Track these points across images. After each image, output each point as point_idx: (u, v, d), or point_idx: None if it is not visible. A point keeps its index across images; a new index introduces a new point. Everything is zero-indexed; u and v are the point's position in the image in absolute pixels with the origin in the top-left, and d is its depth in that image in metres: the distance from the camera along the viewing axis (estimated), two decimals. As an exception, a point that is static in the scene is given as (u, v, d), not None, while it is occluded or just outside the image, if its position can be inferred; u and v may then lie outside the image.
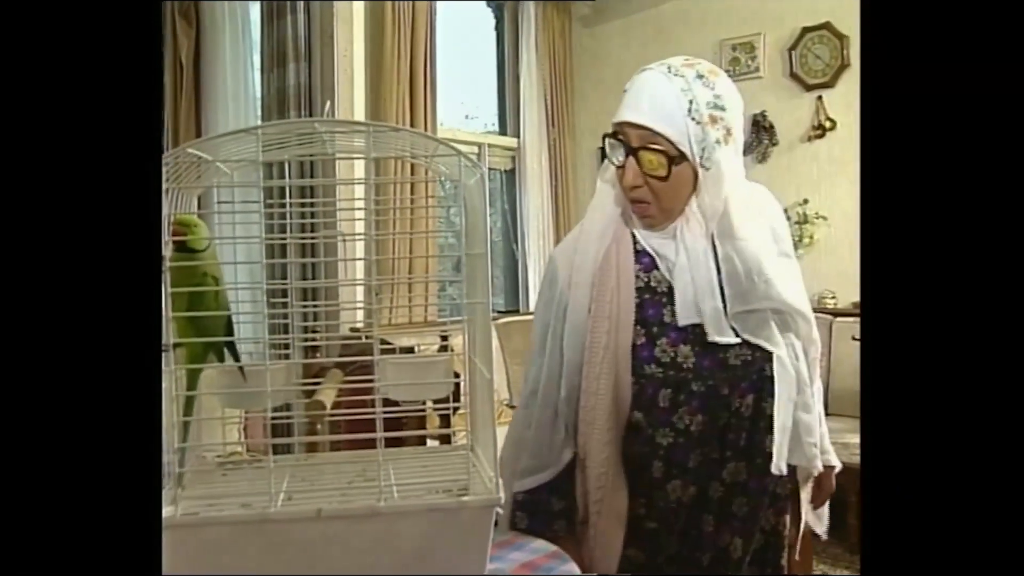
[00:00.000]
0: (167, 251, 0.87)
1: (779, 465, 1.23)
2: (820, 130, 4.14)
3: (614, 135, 1.26)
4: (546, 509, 1.28)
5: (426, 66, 3.94)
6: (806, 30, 4.16)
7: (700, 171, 1.22)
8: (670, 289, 1.26)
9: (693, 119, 1.20)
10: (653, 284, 1.27)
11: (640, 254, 1.29)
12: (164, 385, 0.88)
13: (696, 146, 1.20)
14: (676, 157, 1.20)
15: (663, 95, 1.21)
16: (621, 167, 1.26)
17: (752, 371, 1.24)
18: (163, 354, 0.88)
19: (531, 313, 1.47)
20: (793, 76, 4.22)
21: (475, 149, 4.38)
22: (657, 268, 1.28)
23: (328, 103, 3.19)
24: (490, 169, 4.58)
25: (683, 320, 1.23)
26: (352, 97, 3.47)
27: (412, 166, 1.14)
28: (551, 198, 4.75)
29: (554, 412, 1.28)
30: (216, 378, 0.98)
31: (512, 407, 3.60)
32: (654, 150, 1.20)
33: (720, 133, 1.22)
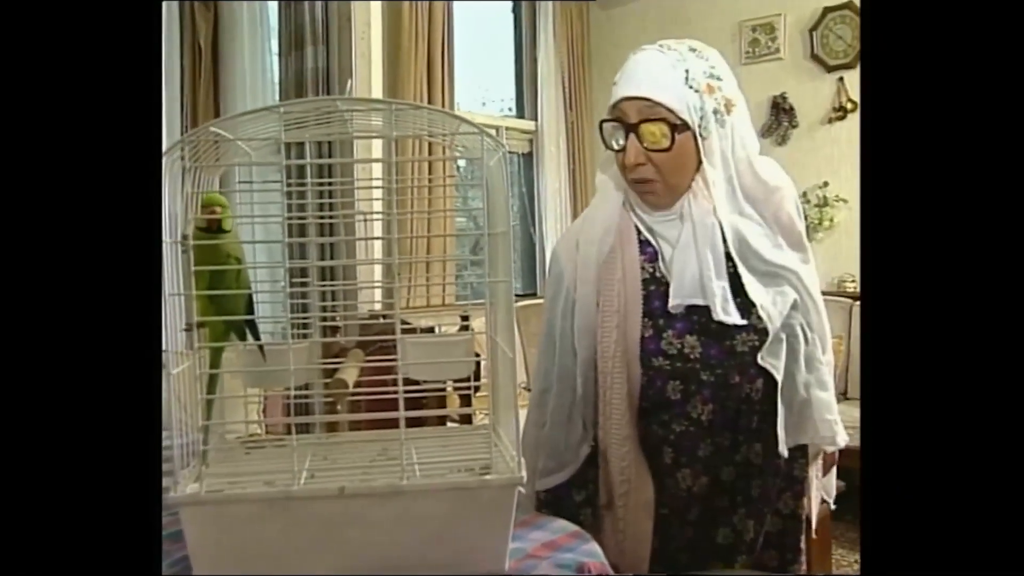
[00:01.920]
0: (189, 230, 0.87)
1: (781, 449, 1.21)
2: (841, 112, 4.09)
3: (611, 119, 1.24)
4: (569, 503, 1.28)
5: (443, 49, 3.93)
6: (828, 10, 4.11)
7: (700, 140, 1.20)
8: None
9: (691, 87, 1.19)
10: (658, 275, 1.25)
11: (644, 244, 1.27)
12: (187, 364, 0.88)
13: (695, 115, 1.19)
14: (678, 126, 1.18)
15: (658, 68, 1.20)
16: (621, 150, 1.23)
17: (757, 354, 1.21)
18: (186, 334, 0.89)
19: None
20: (814, 57, 4.17)
21: (493, 132, 4.36)
22: (663, 258, 1.26)
23: (349, 82, 3.18)
24: (508, 152, 4.57)
25: (675, 300, 1.21)
26: (370, 80, 3.45)
27: (430, 146, 1.13)
28: (569, 181, 4.73)
29: (569, 410, 1.28)
30: (238, 357, 0.98)
31: (530, 390, 3.60)
32: (654, 120, 1.18)
33: (719, 103, 1.20)
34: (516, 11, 4.83)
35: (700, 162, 1.22)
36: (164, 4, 3.30)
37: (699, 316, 1.22)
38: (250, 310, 0.97)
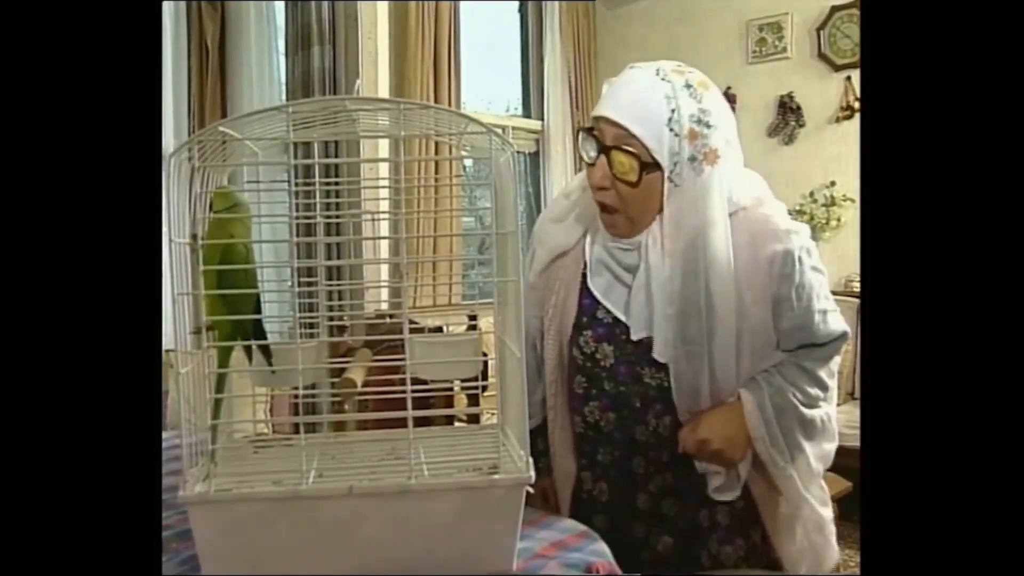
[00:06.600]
0: (198, 230, 0.87)
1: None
2: (848, 111, 4.07)
3: (590, 129, 1.20)
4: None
5: (450, 49, 3.92)
6: (835, 9, 4.09)
7: (667, 185, 1.15)
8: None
9: (671, 130, 1.13)
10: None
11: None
12: (195, 364, 0.88)
13: (669, 159, 1.14)
14: (649, 164, 1.14)
15: (646, 98, 1.14)
16: (592, 164, 1.20)
17: (670, 396, 1.21)
18: (194, 335, 0.89)
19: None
20: (821, 56, 4.15)
21: (500, 131, 4.36)
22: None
23: (358, 81, 3.18)
24: (515, 152, 4.57)
25: (636, 334, 1.21)
26: (376, 80, 3.46)
27: (437, 145, 1.13)
28: (575, 181, 4.72)
29: (533, 370, 1.32)
30: (246, 357, 0.98)
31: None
32: (626, 152, 1.14)
33: (698, 151, 1.14)
34: (522, 10, 4.82)
35: (662, 206, 1.18)
36: (172, 4, 3.31)
37: (620, 331, 1.23)
38: (257, 310, 0.97)
